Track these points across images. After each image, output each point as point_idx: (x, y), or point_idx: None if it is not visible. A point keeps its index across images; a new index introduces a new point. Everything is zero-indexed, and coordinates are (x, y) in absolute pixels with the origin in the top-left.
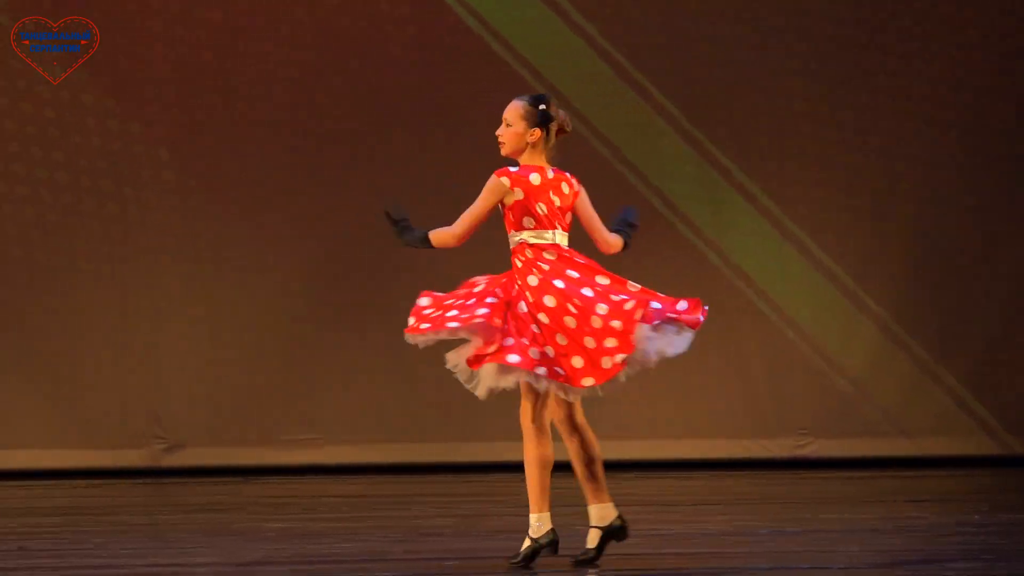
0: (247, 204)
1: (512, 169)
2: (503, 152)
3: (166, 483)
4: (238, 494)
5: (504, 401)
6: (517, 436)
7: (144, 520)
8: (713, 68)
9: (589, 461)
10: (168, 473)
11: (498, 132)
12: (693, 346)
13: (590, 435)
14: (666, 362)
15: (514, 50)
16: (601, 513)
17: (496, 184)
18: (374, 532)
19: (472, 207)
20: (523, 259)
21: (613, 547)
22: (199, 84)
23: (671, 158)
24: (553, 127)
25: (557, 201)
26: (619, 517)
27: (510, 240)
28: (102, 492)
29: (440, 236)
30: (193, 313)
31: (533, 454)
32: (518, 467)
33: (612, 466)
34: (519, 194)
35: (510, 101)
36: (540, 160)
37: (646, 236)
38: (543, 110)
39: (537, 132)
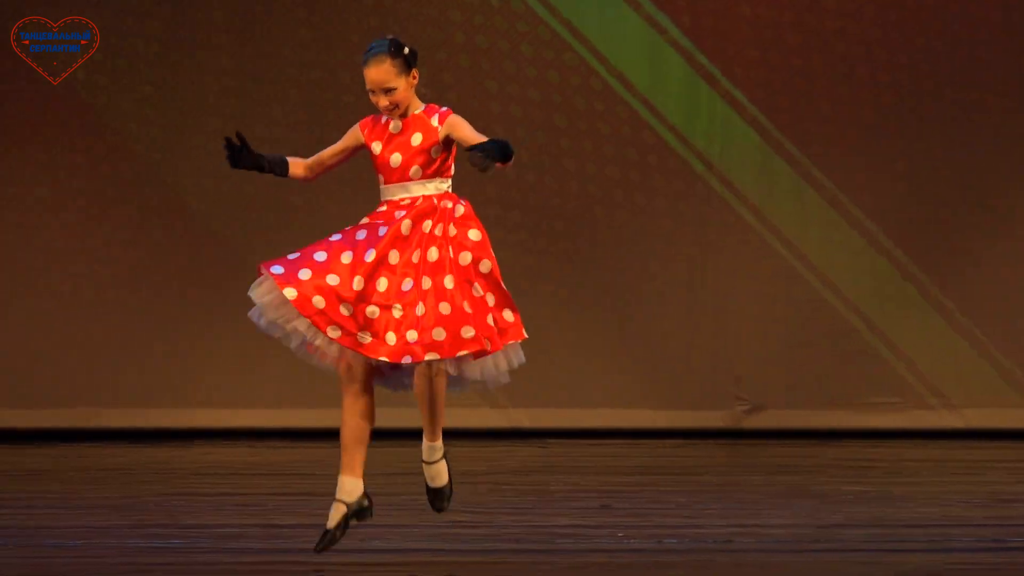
0: None
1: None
2: (398, 116)
3: (745, 444)
4: (818, 456)
5: None
6: None
7: (724, 481)
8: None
9: None
10: (748, 435)
11: (382, 104)
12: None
13: None
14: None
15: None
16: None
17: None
18: (952, 496)
19: None
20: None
21: None
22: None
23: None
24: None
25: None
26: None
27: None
28: (683, 452)
29: None
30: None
31: None
32: None
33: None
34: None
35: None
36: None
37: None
38: (410, 51)
39: (416, 72)
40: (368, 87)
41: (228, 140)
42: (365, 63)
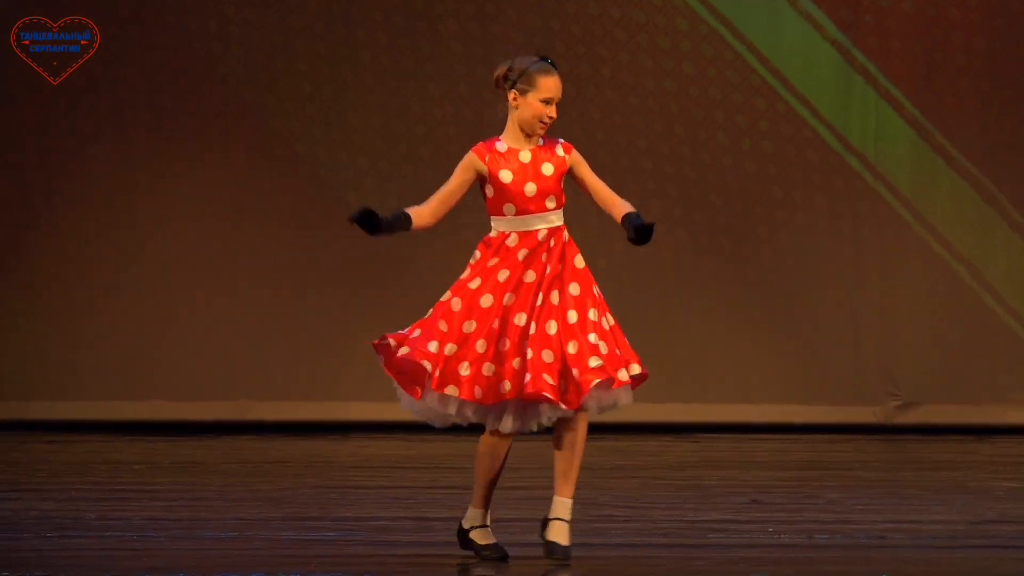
0: None
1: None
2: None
3: (898, 440)
4: (973, 452)
5: None
6: None
7: (877, 477)
8: None
9: None
10: (901, 431)
11: (549, 115)
12: None
13: None
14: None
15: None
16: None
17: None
18: None
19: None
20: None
21: None
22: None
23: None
24: None
25: None
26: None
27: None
28: (836, 448)
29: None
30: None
31: None
32: None
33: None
34: None
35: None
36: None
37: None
38: None
39: None
40: (548, 96)
41: (360, 216)
42: (548, 72)
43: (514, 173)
